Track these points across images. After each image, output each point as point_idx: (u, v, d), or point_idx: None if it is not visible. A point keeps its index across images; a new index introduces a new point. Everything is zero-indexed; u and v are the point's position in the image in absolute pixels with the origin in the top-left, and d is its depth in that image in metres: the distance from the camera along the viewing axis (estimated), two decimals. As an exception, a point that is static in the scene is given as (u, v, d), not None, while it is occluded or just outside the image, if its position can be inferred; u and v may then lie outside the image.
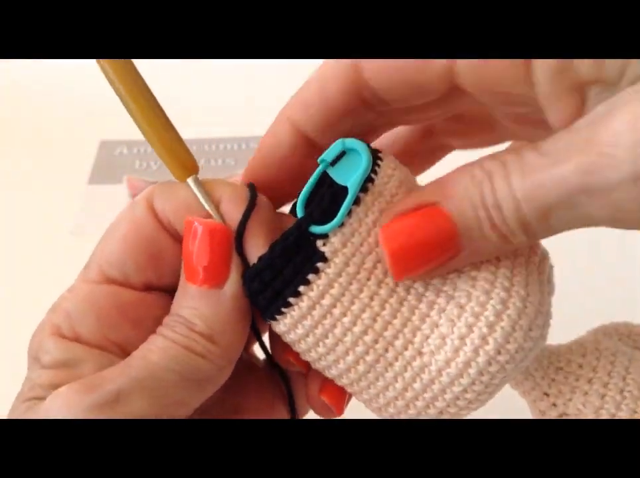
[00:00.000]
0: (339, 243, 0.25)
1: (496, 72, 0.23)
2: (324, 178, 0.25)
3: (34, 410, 0.24)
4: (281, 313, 0.25)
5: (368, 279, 0.25)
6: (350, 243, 0.25)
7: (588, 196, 0.20)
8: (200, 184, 0.26)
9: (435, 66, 0.24)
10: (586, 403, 0.26)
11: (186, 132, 0.91)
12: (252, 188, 0.26)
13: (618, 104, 0.20)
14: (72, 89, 0.81)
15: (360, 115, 0.26)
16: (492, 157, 0.23)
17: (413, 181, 0.28)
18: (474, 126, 0.31)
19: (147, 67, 0.94)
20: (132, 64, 0.26)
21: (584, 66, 0.22)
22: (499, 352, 0.25)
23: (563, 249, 0.61)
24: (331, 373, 0.27)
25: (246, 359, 0.31)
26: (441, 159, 0.35)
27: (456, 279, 0.25)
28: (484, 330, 0.25)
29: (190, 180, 0.26)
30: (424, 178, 0.31)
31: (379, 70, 0.25)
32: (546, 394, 0.27)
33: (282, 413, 0.30)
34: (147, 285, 0.26)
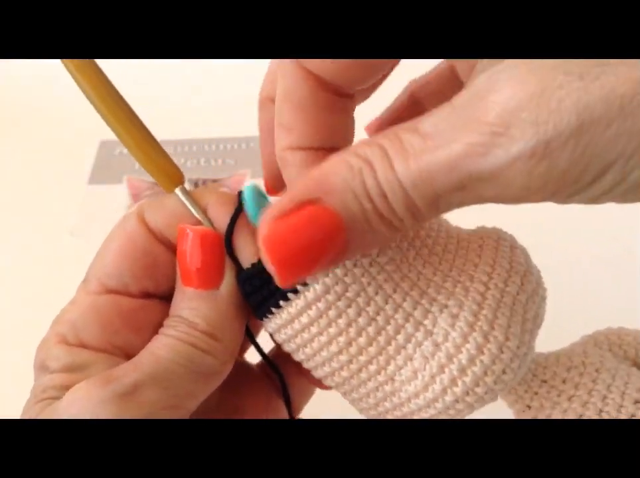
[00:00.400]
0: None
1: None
2: None
3: (52, 407, 0.24)
4: (271, 313, 0.26)
5: (349, 307, 0.26)
6: (332, 273, 0.26)
7: (479, 178, 0.20)
8: (187, 193, 0.27)
9: None
10: None
11: (186, 132, 0.91)
12: (240, 194, 0.27)
13: (500, 78, 0.20)
14: (72, 89, 0.81)
15: (338, 103, 0.26)
16: (367, 142, 0.22)
17: None
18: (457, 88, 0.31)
19: (147, 67, 0.94)
20: (101, 73, 0.27)
21: None
22: (467, 393, 0.25)
23: (563, 250, 0.61)
24: (317, 374, 0.28)
25: (240, 361, 0.32)
26: None
27: (437, 315, 0.26)
28: (455, 373, 0.25)
29: (177, 190, 0.27)
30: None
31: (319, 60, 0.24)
32: (529, 407, 0.28)
33: (280, 412, 0.31)
34: (144, 293, 0.28)
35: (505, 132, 0.19)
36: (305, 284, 0.25)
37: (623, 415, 0.26)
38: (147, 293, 0.28)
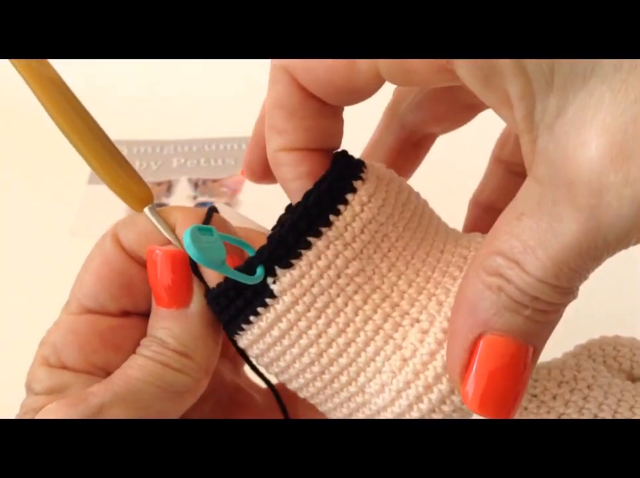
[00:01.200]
0: (287, 284, 0.25)
1: (416, 72, 0.23)
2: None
3: None
4: (242, 330, 0.26)
5: (318, 318, 0.25)
6: (300, 284, 0.25)
7: (607, 246, 0.20)
8: (155, 212, 0.27)
9: (362, 66, 0.23)
10: None
11: (186, 132, 0.90)
12: (210, 209, 0.27)
13: (570, 137, 0.19)
14: (72, 89, 0.81)
15: (328, 109, 0.26)
16: (485, 254, 0.22)
17: (400, 206, 0.27)
18: (447, 108, 0.31)
19: (147, 67, 0.94)
20: (58, 80, 0.27)
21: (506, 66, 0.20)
22: (433, 411, 0.25)
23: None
24: (292, 386, 0.28)
25: (231, 380, 0.33)
26: (427, 151, 0.35)
27: (408, 329, 0.25)
28: (421, 389, 0.25)
29: (146, 210, 0.27)
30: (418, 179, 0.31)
31: (308, 72, 0.25)
32: None
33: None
34: (123, 311, 0.28)
35: (600, 203, 0.19)
36: (273, 297, 0.25)
37: None
38: (126, 312, 0.28)
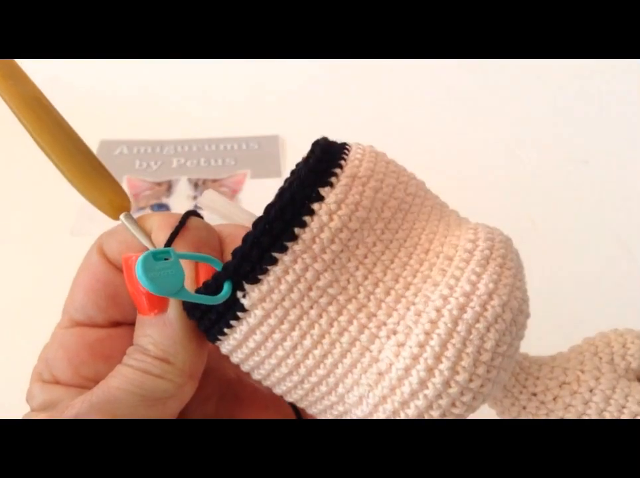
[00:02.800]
0: (257, 299, 0.24)
1: None
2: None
3: None
4: (219, 340, 0.26)
5: (292, 330, 0.25)
6: (270, 299, 0.24)
7: None
8: (131, 219, 0.27)
9: None
10: None
11: (186, 132, 0.90)
12: (185, 214, 0.27)
13: None
14: (72, 89, 0.81)
15: None
16: None
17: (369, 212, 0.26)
18: None
19: (147, 67, 0.94)
20: (26, 82, 0.27)
21: None
22: None
23: (564, 249, 0.61)
24: (277, 391, 0.27)
25: (236, 377, 0.33)
26: None
27: (384, 341, 0.24)
28: (397, 405, 0.24)
29: (122, 217, 0.27)
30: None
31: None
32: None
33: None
34: (112, 322, 0.28)
35: None
36: (244, 310, 0.25)
37: None
38: (115, 322, 0.28)
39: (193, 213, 0.27)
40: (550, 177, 0.71)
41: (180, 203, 0.67)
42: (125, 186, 0.69)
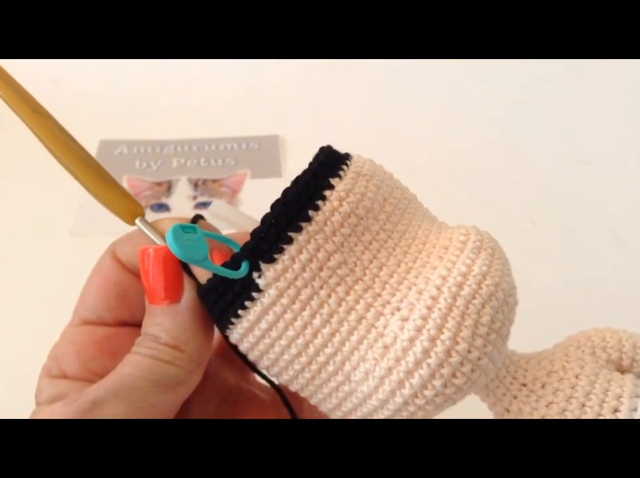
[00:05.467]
0: (272, 278, 0.26)
1: None
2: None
3: None
4: (232, 324, 0.27)
5: (303, 310, 0.26)
6: (284, 278, 0.26)
7: None
8: (146, 222, 0.29)
9: None
10: None
11: (186, 132, 0.90)
12: (195, 217, 0.29)
13: None
14: (72, 88, 0.81)
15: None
16: None
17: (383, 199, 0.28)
18: None
19: (147, 67, 0.94)
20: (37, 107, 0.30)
21: None
22: (415, 396, 0.26)
23: (564, 249, 0.61)
24: (283, 380, 0.29)
25: (236, 384, 0.34)
26: None
27: (389, 317, 0.26)
28: (402, 375, 0.25)
29: (137, 221, 0.29)
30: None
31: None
32: (507, 410, 0.28)
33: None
34: (120, 322, 0.30)
35: None
36: (259, 291, 0.26)
37: None
38: (122, 322, 0.30)
39: (200, 217, 0.29)
40: (550, 177, 0.71)
41: (180, 203, 0.67)
42: (125, 186, 0.69)
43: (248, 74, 0.86)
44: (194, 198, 0.68)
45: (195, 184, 0.70)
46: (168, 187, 0.69)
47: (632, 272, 0.59)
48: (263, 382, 0.34)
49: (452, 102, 0.83)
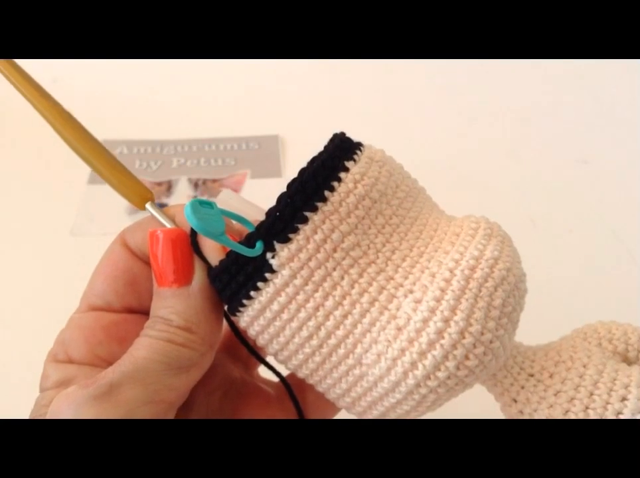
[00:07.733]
0: (285, 258, 0.26)
1: None
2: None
3: (40, 416, 0.26)
4: (244, 306, 0.27)
5: (316, 291, 0.26)
6: (297, 258, 0.26)
7: None
8: (156, 206, 0.29)
9: None
10: (550, 417, 0.27)
11: (186, 132, 0.90)
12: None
13: None
14: (72, 89, 0.81)
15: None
16: None
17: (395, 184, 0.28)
18: None
19: (147, 67, 0.94)
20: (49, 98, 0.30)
21: None
22: (428, 377, 0.26)
23: (564, 249, 0.61)
24: (292, 365, 0.29)
25: (241, 377, 0.34)
26: None
27: (402, 300, 0.26)
28: (415, 356, 0.25)
29: (148, 205, 0.29)
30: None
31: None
32: (515, 400, 0.28)
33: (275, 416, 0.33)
34: (128, 308, 0.30)
35: None
36: (273, 271, 0.26)
37: (609, 412, 0.26)
38: (130, 309, 0.30)
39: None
40: (550, 177, 0.71)
41: (180, 203, 0.67)
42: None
43: (248, 74, 0.86)
44: (194, 198, 0.68)
45: (195, 184, 0.70)
46: (168, 187, 0.69)
47: (632, 272, 0.59)
48: (267, 375, 0.34)
49: (452, 102, 0.83)
